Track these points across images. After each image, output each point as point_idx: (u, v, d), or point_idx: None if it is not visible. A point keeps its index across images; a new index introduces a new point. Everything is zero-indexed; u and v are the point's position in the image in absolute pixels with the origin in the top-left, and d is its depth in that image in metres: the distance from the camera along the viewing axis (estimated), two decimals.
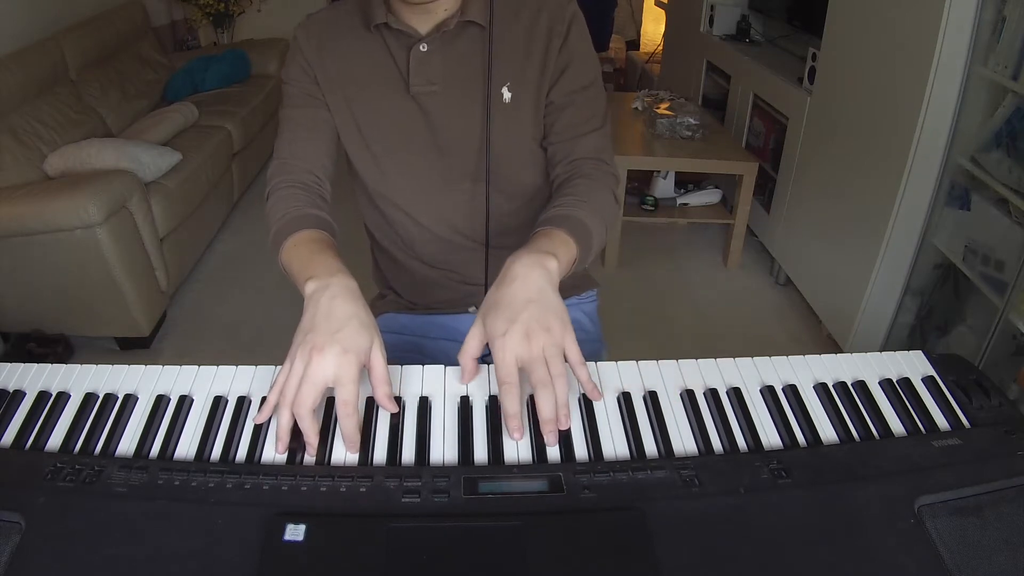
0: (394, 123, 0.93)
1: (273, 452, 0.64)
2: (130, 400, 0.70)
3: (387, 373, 0.68)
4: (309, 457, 0.64)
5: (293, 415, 0.63)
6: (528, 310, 0.65)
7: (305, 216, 0.84)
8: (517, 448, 0.65)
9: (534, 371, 0.64)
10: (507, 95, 0.90)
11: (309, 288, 0.70)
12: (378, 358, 0.67)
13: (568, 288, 1.11)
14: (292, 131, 0.92)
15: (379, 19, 0.88)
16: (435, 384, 0.73)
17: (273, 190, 0.89)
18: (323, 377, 0.63)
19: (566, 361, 0.66)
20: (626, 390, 0.72)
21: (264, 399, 0.68)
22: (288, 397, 0.63)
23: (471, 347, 0.69)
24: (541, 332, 0.64)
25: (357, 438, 0.64)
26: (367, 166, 0.97)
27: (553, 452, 0.65)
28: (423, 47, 0.88)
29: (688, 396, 0.71)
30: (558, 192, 0.88)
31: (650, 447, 0.65)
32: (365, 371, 0.68)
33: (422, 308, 1.09)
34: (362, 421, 0.65)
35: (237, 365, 0.75)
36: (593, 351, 1.10)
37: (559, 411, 0.63)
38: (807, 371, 0.75)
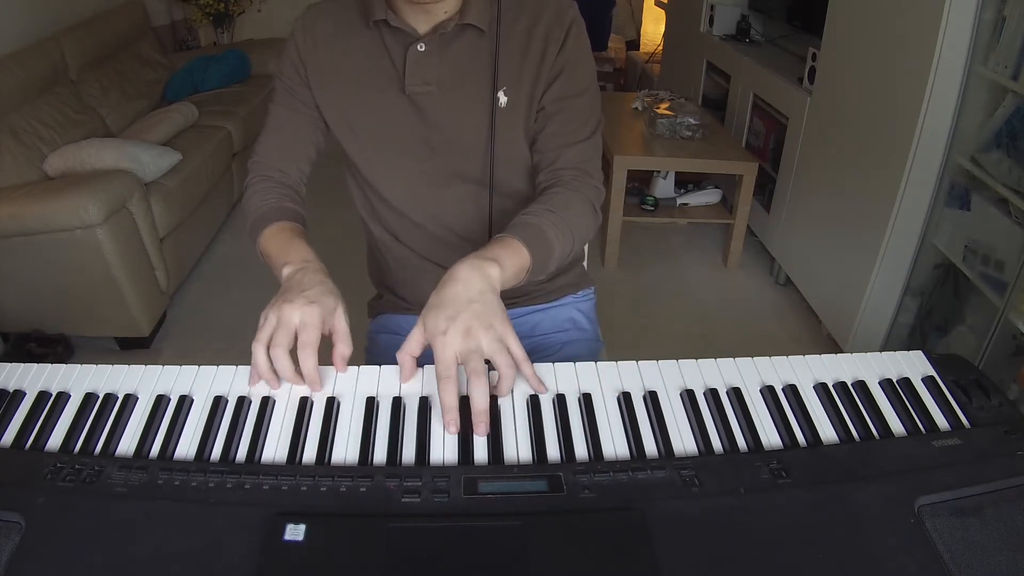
0: (388, 120, 0.93)
1: (273, 452, 0.65)
2: (130, 400, 0.70)
3: (348, 335, 0.75)
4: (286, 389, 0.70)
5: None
6: (469, 309, 0.68)
7: (281, 208, 0.92)
8: (517, 448, 0.65)
9: (470, 361, 0.66)
10: (503, 99, 0.90)
11: (286, 271, 0.80)
12: (341, 320, 0.75)
13: (564, 287, 1.11)
14: (274, 131, 0.97)
15: (378, 15, 0.88)
16: (435, 384, 0.73)
17: (249, 184, 0.96)
18: (292, 321, 0.71)
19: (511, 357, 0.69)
20: (626, 390, 0.72)
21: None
22: (263, 340, 0.71)
23: (411, 346, 0.71)
24: (481, 329, 0.67)
25: (316, 377, 0.71)
26: (360, 160, 0.97)
27: (553, 452, 0.65)
28: (420, 47, 0.88)
29: (688, 396, 0.71)
30: (535, 200, 0.89)
31: (650, 447, 0.65)
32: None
33: (419, 308, 1.08)
34: (316, 366, 0.71)
35: (237, 365, 0.75)
36: (591, 350, 1.10)
37: (502, 394, 0.69)
38: (807, 371, 0.75)
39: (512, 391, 0.71)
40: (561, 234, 0.83)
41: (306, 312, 0.72)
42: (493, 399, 0.70)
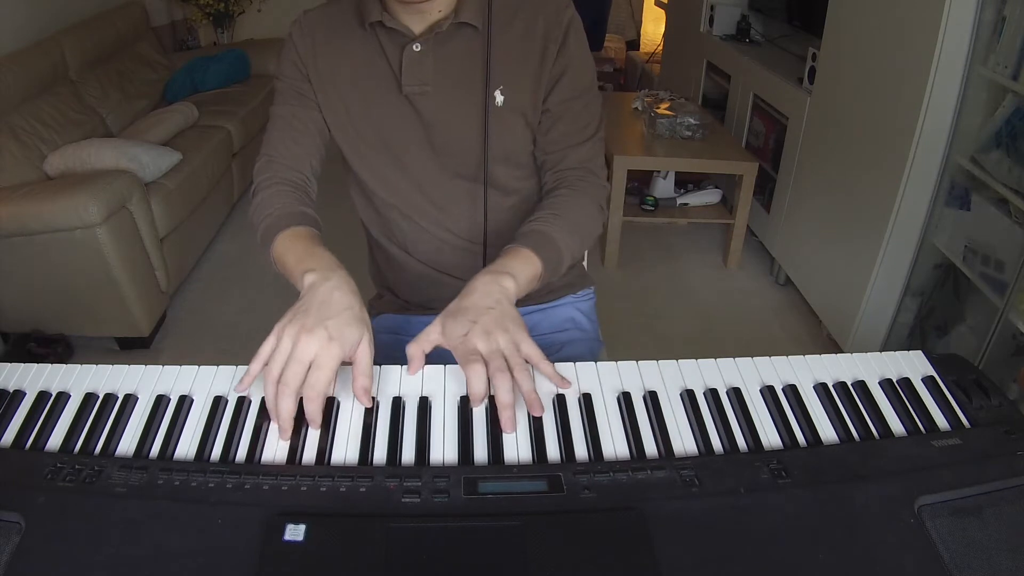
0: (386, 121, 0.93)
1: (273, 452, 0.65)
2: (130, 400, 0.70)
3: (370, 368, 0.69)
4: (283, 441, 0.65)
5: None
6: (487, 315, 0.71)
7: (296, 213, 0.87)
8: (517, 448, 0.65)
9: (492, 361, 0.68)
10: (500, 98, 0.90)
11: (308, 279, 0.73)
12: (364, 351, 0.69)
13: (564, 287, 1.11)
14: (281, 130, 0.94)
15: (374, 17, 0.88)
16: (435, 384, 0.73)
17: (260, 187, 0.91)
18: (307, 357, 0.65)
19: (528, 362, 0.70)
20: (626, 390, 0.72)
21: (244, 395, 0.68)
22: (274, 374, 0.65)
23: (424, 341, 0.72)
24: (499, 331, 0.70)
25: (319, 419, 0.65)
26: (360, 163, 0.97)
27: (553, 452, 0.65)
28: (416, 47, 0.88)
29: (688, 396, 0.71)
30: (540, 203, 0.91)
31: (650, 447, 0.65)
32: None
33: (419, 309, 1.09)
34: (321, 408, 0.66)
35: (237, 365, 0.74)
36: (591, 349, 1.10)
37: (528, 397, 0.67)
38: (807, 371, 0.75)
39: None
40: (569, 238, 0.86)
41: (323, 352, 0.65)
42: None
